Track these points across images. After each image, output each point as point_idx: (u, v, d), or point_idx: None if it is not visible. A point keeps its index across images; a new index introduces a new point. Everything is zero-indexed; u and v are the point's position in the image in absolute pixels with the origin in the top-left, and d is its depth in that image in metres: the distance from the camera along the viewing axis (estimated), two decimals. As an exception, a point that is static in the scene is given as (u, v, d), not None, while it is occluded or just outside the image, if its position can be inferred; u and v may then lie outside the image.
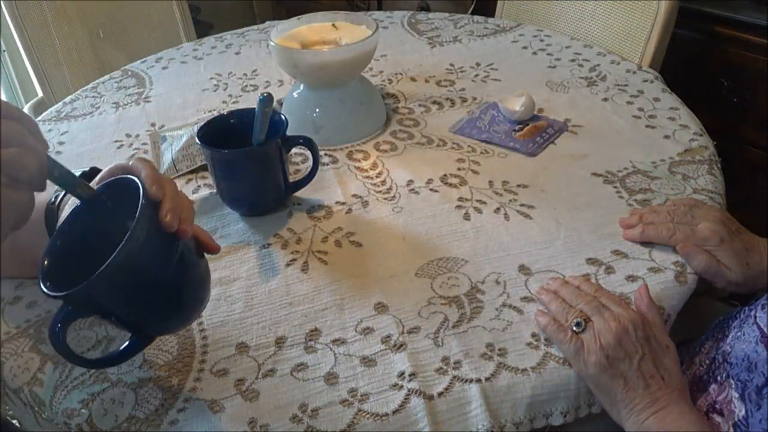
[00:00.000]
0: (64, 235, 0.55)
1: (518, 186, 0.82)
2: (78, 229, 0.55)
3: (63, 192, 0.63)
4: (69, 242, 0.55)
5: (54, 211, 0.63)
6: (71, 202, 0.61)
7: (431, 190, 0.82)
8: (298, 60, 0.88)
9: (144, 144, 0.99)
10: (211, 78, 1.18)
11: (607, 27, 1.27)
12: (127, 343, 0.56)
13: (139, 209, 0.50)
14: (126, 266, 0.49)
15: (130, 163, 0.57)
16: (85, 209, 0.56)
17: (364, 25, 0.95)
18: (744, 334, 0.59)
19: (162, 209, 0.52)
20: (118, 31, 1.54)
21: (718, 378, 0.59)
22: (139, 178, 0.53)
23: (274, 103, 0.76)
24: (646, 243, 0.70)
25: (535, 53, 1.16)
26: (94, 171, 0.67)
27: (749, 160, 1.38)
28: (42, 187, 0.50)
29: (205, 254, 0.58)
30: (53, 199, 0.64)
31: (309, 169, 0.82)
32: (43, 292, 0.50)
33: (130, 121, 1.07)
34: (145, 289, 0.52)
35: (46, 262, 0.53)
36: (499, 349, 0.60)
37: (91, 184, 0.56)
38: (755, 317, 0.59)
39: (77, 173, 0.65)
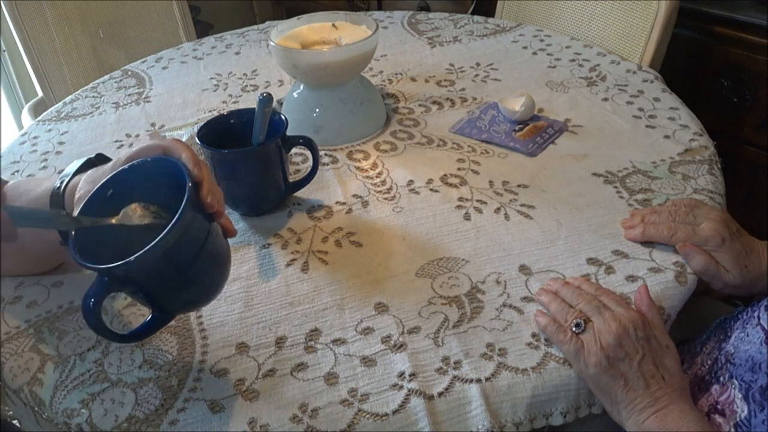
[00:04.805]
0: (89, 207, 0.56)
1: (518, 186, 0.81)
2: (103, 204, 0.57)
3: (68, 178, 0.63)
4: (93, 215, 0.56)
5: (60, 197, 0.63)
6: (84, 183, 0.61)
7: (431, 190, 0.82)
8: (298, 60, 0.88)
9: (144, 144, 0.99)
10: (211, 78, 1.18)
11: (607, 27, 1.27)
12: (149, 318, 0.56)
13: (186, 191, 0.52)
14: (172, 245, 0.51)
15: (166, 144, 0.59)
16: (110, 187, 0.57)
17: (364, 25, 0.95)
18: (748, 335, 0.59)
19: (202, 190, 0.55)
20: (118, 31, 1.54)
21: (721, 378, 0.59)
22: (179, 160, 0.55)
23: (274, 103, 0.76)
24: (647, 243, 0.70)
25: (535, 53, 1.16)
26: (100, 158, 0.67)
27: (749, 160, 1.38)
28: (11, 238, 0.50)
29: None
30: (59, 184, 0.63)
31: (309, 169, 0.82)
32: (83, 265, 0.52)
33: (130, 121, 1.06)
34: (181, 268, 0.54)
35: (74, 233, 0.54)
36: (500, 349, 0.60)
37: (126, 160, 0.58)
38: (759, 318, 0.59)
39: (81, 161, 0.66)
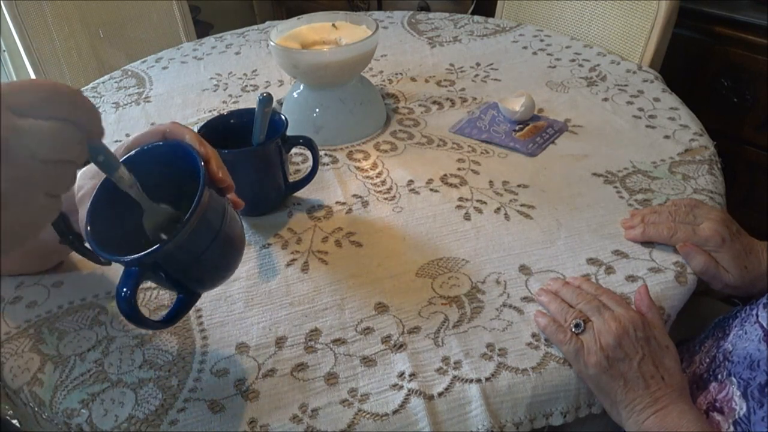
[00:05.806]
0: (99, 198, 0.56)
1: (518, 186, 0.81)
2: (114, 195, 0.56)
3: None
4: (101, 206, 0.56)
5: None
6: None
7: (431, 190, 0.82)
8: (298, 60, 0.88)
9: (144, 144, 0.99)
10: (211, 78, 1.18)
11: (607, 27, 1.27)
12: (177, 301, 0.57)
13: (201, 172, 0.52)
14: (196, 225, 0.52)
15: (165, 128, 0.59)
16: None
17: (364, 25, 0.95)
18: (746, 333, 0.59)
19: (211, 167, 0.55)
20: (118, 31, 1.54)
21: (719, 376, 0.59)
22: (184, 142, 0.56)
23: (274, 103, 0.76)
24: (647, 243, 0.70)
25: (535, 53, 1.16)
26: None
27: (749, 160, 1.38)
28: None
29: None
30: None
31: (309, 169, 0.82)
32: (111, 258, 0.52)
33: (130, 121, 1.06)
34: (205, 247, 0.54)
35: (89, 228, 0.54)
36: (500, 349, 0.60)
37: (125, 150, 0.58)
38: (757, 316, 0.59)
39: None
